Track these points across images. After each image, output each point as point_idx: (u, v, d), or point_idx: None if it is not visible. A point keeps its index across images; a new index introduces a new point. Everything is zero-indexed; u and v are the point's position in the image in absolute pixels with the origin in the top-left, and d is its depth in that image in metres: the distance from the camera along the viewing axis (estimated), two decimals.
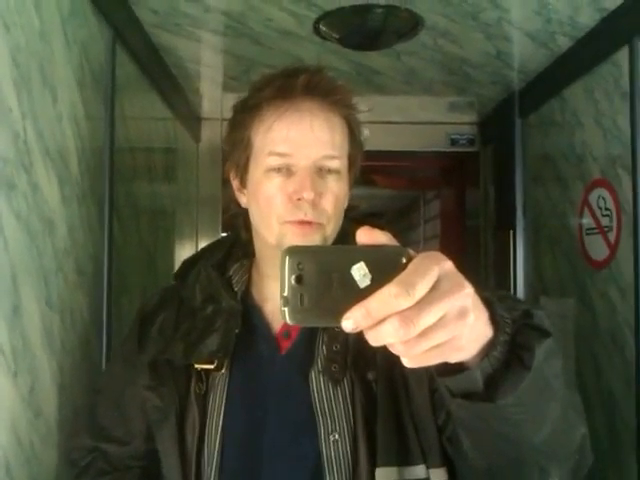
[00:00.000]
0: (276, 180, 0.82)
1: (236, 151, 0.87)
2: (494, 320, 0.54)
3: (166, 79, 1.72)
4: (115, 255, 1.24)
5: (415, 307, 0.45)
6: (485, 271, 2.25)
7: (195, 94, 2.02)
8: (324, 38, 1.46)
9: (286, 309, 0.47)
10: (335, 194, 0.83)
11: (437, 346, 0.47)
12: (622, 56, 1.34)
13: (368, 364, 0.79)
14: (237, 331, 0.86)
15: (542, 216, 1.82)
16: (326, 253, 0.51)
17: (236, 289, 0.91)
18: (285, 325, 0.87)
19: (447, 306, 0.46)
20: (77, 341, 1.07)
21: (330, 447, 0.80)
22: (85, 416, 0.96)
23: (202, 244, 2.31)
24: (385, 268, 0.47)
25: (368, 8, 1.32)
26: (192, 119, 2.15)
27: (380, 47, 1.49)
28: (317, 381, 0.83)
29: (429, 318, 0.45)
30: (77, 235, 1.06)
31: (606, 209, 1.41)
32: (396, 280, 0.45)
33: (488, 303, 0.54)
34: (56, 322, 0.98)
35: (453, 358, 0.51)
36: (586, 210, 1.50)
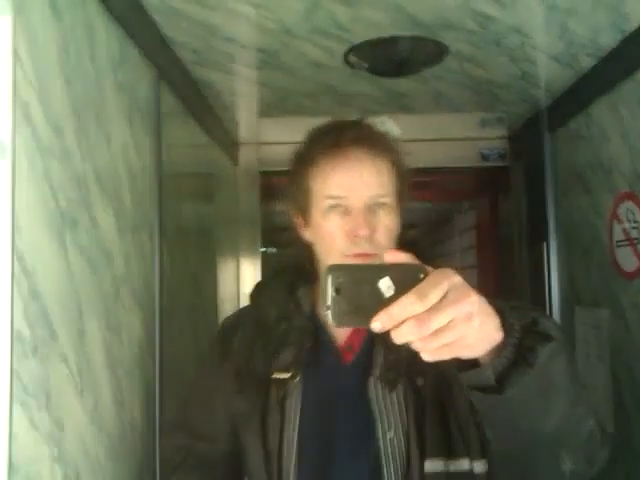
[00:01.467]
0: (335, 219, 0.97)
1: (298, 196, 1.02)
2: (505, 326, 0.66)
3: (205, 109, 1.82)
4: (165, 279, 1.33)
5: (428, 312, 0.59)
6: (520, 282, 2.28)
7: (232, 121, 2.12)
8: (354, 67, 1.54)
9: (329, 313, 0.62)
10: (387, 227, 0.97)
11: (448, 344, 0.60)
12: None
13: (418, 372, 0.90)
14: (309, 345, 1.01)
15: (574, 229, 1.85)
16: (359, 270, 0.65)
17: (305, 309, 1.05)
18: (348, 340, 1.03)
19: (454, 311, 0.59)
20: (133, 361, 1.16)
21: (387, 443, 0.95)
22: (177, 419, 1.14)
23: (243, 261, 2.41)
24: (405, 281, 0.61)
25: (394, 40, 1.40)
26: (230, 144, 2.25)
27: (407, 74, 1.56)
28: (375, 387, 0.97)
29: (439, 320, 0.59)
30: (132, 263, 1.16)
31: (635, 221, 1.45)
32: (413, 290, 0.60)
33: (500, 312, 0.66)
34: (115, 344, 1.07)
35: (463, 354, 0.63)
36: (615, 223, 1.54)
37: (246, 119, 2.14)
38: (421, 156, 2.35)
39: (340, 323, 0.63)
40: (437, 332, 0.59)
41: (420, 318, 0.59)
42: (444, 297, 0.59)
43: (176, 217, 1.49)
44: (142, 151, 1.25)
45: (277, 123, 2.18)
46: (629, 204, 1.47)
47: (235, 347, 1.07)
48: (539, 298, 2.03)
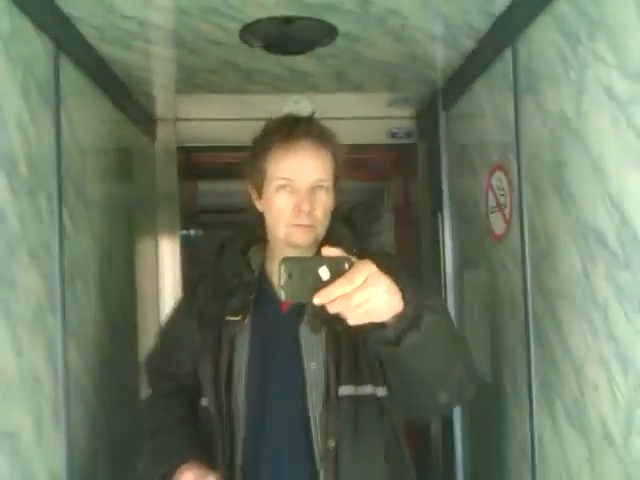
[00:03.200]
0: (284, 196, 1.22)
1: (254, 173, 1.28)
2: (404, 300, 0.95)
3: (116, 86, 1.89)
4: (66, 243, 1.42)
5: (353, 291, 0.87)
6: (424, 251, 2.45)
7: (148, 98, 2.19)
8: (251, 45, 1.65)
9: (282, 292, 0.91)
10: (324, 205, 1.24)
11: (365, 312, 0.90)
12: (508, 55, 1.54)
13: (338, 321, 1.06)
14: (252, 296, 1.30)
15: (462, 200, 2.01)
16: (304, 261, 0.97)
17: (253, 267, 1.35)
18: None
19: (370, 291, 0.88)
20: (33, 315, 1.25)
21: (311, 372, 1.23)
22: (154, 348, 1.50)
23: (161, 237, 2.49)
24: (337, 270, 0.89)
25: (285, 20, 1.51)
26: (147, 120, 2.32)
27: (300, 52, 1.68)
28: (304, 330, 1.25)
29: (360, 297, 0.88)
30: (27, 224, 1.24)
31: (502, 189, 1.61)
32: (344, 276, 0.88)
33: (402, 291, 0.95)
34: (12, 299, 1.16)
35: (375, 319, 0.94)
36: (489, 192, 1.70)
37: (161, 95, 2.21)
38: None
39: (290, 299, 0.93)
40: (359, 305, 0.88)
41: (348, 296, 0.87)
42: (364, 281, 0.88)
43: (80, 187, 1.57)
44: (40, 123, 1.32)
45: (191, 100, 2.27)
46: (499, 174, 1.63)
47: (199, 294, 1.37)
48: (436, 265, 2.20)
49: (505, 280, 1.61)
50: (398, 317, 0.95)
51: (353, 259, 0.91)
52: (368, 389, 1.23)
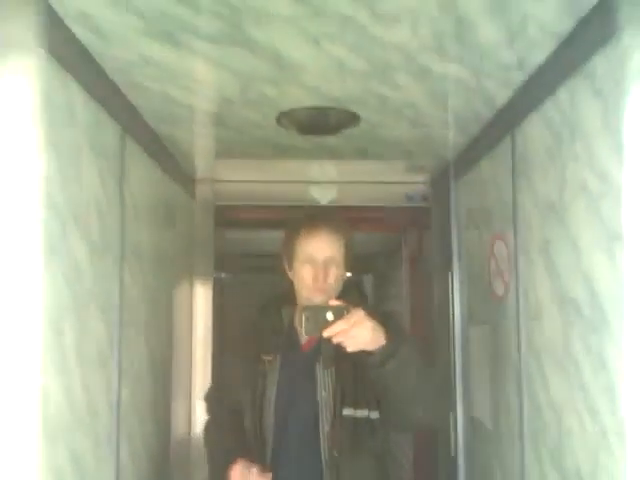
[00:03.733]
0: (307, 267, 1.65)
1: (287, 252, 1.72)
2: (388, 335, 1.41)
3: (164, 154, 2.18)
4: (124, 295, 1.67)
5: (349, 328, 1.37)
6: (435, 306, 2.66)
7: (190, 163, 2.48)
8: (286, 128, 1.92)
9: (302, 329, 1.42)
10: (334, 276, 1.66)
11: (357, 342, 1.38)
12: (508, 141, 1.78)
13: (343, 359, 1.53)
14: (281, 340, 1.73)
15: (471, 261, 2.24)
16: (317, 308, 1.43)
17: (284, 320, 1.78)
18: (307, 342, 1.71)
19: (361, 328, 1.38)
20: (97, 358, 1.49)
21: (322, 399, 1.63)
22: (215, 381, 2.13)
23: (197, 284, 2.76)
24: (339, 314, 1.38)
25: (314, 109, 1.78)
26: (187, 181, 2.60)
27: (328, 134, 1.94)
28: (319, 368, 1.65)
29: (353, 331, 1.37)
30: (98, 282, 1.49)
31: (502, 256, 1.83)
32: (343, 319, 1.38)
33: (386, 330, 1.41)
34: (85, 344, 1.40)
35: (366, 348, 1.39)
36: (492, 257, 1.93)
37: (202, 162, 2.51)
38: (355, 196, 2.78)
39: (308, 334, 1.43)
40: (353, 337, 1.37)
41: (345, 330, 1.37)
42: (356, 321, 1.37)
43: (135, 243, 1.83)
44: (108, 194, 1.59)
45: (229, 164, 2.56)
46: (500, 243, 1.86)
47: (244, 340, 1.82)
48: (448, 320, 2.41)
49: (503, 336, 1.83)
50: (382, 348, 1.40)
51: (350, 307, 1.40)
52: (364, 412, 1.62)
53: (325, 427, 1.61)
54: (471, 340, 2.20)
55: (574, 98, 1.37)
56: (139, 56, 1.44)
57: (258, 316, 1.83)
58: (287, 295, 1.79)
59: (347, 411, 1.61)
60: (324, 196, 2.72)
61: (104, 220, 1.54)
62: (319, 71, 1.54)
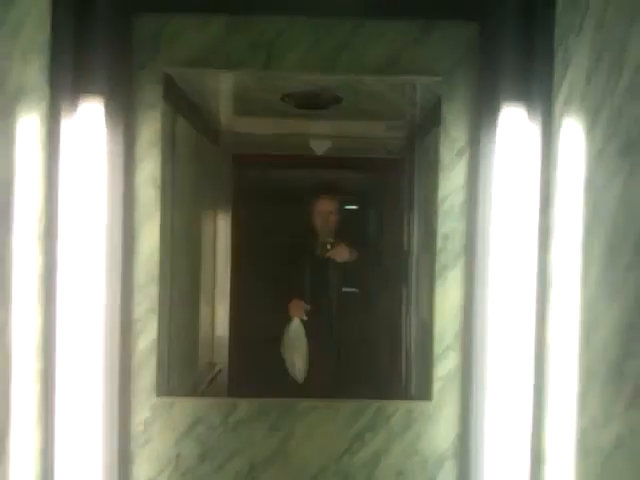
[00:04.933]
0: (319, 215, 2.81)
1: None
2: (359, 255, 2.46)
3: (195, 112, 2.90)
4: (175, 223, 2.45)
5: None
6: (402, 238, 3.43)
7: (216, 120, 3.19)
8: (287, 104, 2.63)
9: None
10: (334, 220, 2.79)
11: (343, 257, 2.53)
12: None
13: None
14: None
15: (425, 206, 2.99)
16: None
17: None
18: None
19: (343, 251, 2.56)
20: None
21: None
22: None
23: (219, 210, 3.53)
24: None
25: (309, 92, 2.49)
26: (214, 133, 3.33)
27: (320, 109, 2.66)
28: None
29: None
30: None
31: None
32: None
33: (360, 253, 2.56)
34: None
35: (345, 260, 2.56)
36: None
37: (224, 119, 3.22)
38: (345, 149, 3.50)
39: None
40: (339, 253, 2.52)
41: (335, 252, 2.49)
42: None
43: (182, 182, 2.58)
44: (166, 151, 2.34)
45: (245, 121, 3.27)
46: None
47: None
48: (406, 249, 3.17)
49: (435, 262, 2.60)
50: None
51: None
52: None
53: None
54: (419, 263, 2.97)
55: None
56: None
57: None
58: None
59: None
60: (320, 147, 3.43)
61: (165, 166, 2.30)
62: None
